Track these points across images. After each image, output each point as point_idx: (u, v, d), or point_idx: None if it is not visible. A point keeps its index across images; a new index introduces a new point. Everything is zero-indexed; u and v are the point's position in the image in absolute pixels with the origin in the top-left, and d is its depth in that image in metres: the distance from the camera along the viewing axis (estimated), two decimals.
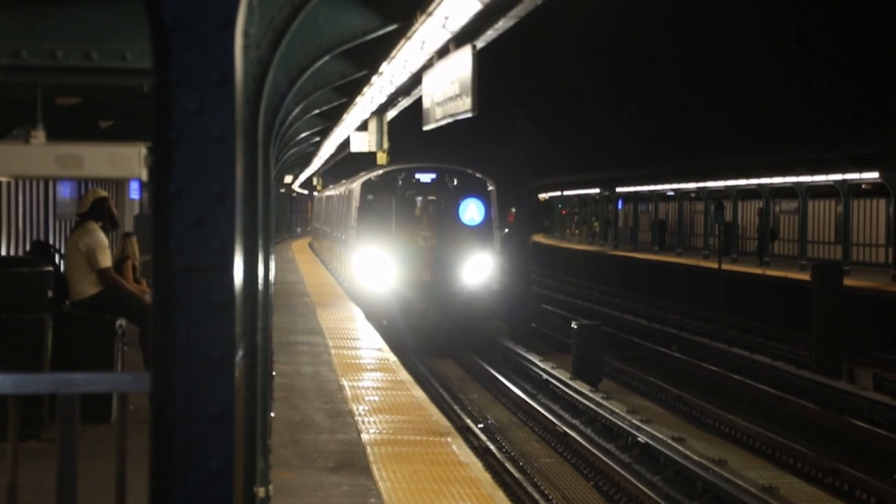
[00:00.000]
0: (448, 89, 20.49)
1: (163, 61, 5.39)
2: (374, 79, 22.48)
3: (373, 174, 52.54)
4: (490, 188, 53.61)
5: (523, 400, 42.02)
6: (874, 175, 62.70)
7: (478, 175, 52.77)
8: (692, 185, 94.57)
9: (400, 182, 52.75)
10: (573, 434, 36.48)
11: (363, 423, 20.49)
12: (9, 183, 25.94)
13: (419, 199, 53.23)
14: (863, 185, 68.46)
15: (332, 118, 35.45)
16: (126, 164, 12.65)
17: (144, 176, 12.03)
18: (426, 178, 53.10)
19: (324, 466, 17.35)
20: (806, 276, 59.33)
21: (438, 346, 47.10)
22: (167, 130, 5.34)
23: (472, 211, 50.84)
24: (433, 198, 53.34)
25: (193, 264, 5.50)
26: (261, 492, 12.10)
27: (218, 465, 5.56)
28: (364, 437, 19.42)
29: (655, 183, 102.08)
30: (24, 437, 7.28)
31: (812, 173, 70.00)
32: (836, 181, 69.01)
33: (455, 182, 53.69)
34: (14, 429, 7.52)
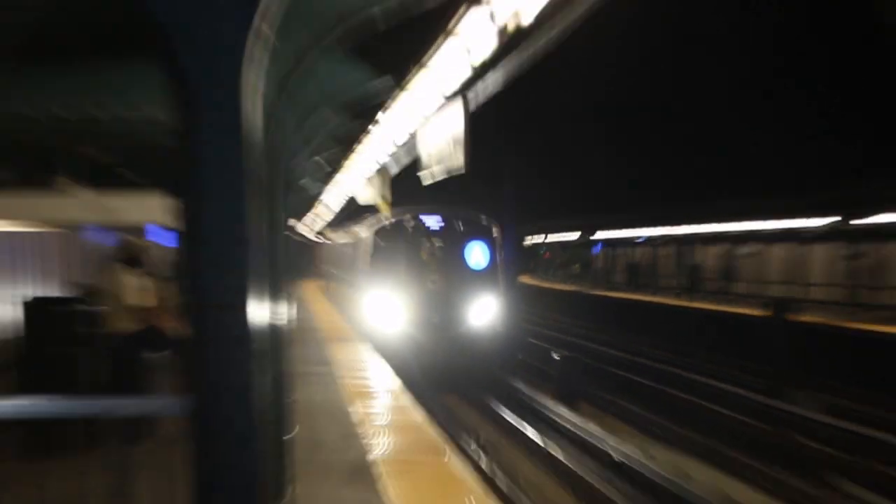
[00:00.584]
0: (443, 145, 20.40)
1: (185, 113, 5.42)
2: (372, 128, 22.45)
3: (384, 221, 47.93)
4: (495, 233, 50.15)
5: (508, 421, 42.25)
6: (823, 220, 62.19)
7: (483, 220, 49.82)
8: (660, 231, 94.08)
9: (410, 228, 48.78)
10: (554, 451, 36.78)
11: (373, 442, 20.49)
12: (42, 235, 26.03)
13: (427, 244, 48.79)
14: (813, 231, 68.53)
15: (333, 164, 35.56)
16: (152, 210, 12.69)
17: (170, 223, 12.12)
18: (433, 222, 48.95)
19: (337, 480, 17.33)
20: (759, 312, 59.82)
21: (444, 381, 45.42)
22: (191, 175, 5.37)
23: (477, 255, 48.51)
24: (440, 243, 48.88)
25: (221, 301, 5.52)
26: None
27: (243, 481, 5.57)
28: (371, 454, 19.43)
29: (631, 228, 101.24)
30: (84, 452, 7.24)
31: (760, 219, 69.90)
32: (785, 228, 69.06)
33: (461, 226, 49.34)
34: (71, 445, 7.54)
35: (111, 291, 22.26)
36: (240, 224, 5.52)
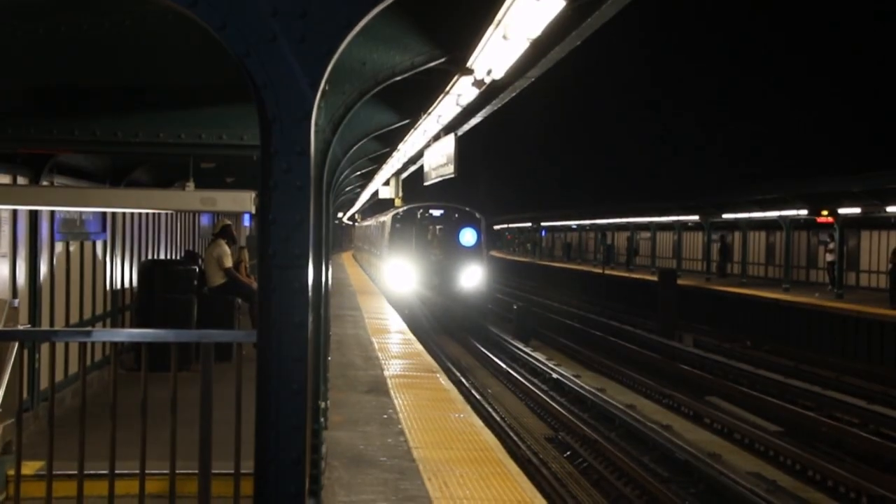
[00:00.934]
0: (440, 160, 20.64)
1: (266, 140, 5.49)
2: (395, 153, 22.49)
3: (400, 210, 51.74)
4: (480, 220, 53.31)
5: (481, 351, 42.63)
6: (695, 217, 62.90)
7: (471, 210, 52.67)
8: (587, 221, 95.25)
9: (418, 215, 52.36)
10: (512, 372, 37.00)
11: (387, 367, 20.52)
12: (171, 216, 26.25)
13: (431, 227, 52.80)
14: (689, 223, 69.28)
15: (368, 176, 35.57)
16: (243, 203, 12.78)
17: (253, 210, 12.14)
18: (437, 212, 52.83)
19: (361, 390, 17.38)
20: (654, 277, 60.36)
21: (441, 328, 46.44)
22: (268, 181, 5.44)
23: (467, 236, 51.02)
24: (441, 227, 52.93)
25: (289, 265, 5.60)
26: (322, 405, 12.11)
27: (297, 387, 5.62)
28: (386, 373, 19.47)
29: (567, 220, 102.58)
30: (180, 369, 7.26)
31: (658, 216, 70.53)
32: (673, 221, 69.51)
33: (456, 215, 53.04)
34: (174, 363, 7.56)
35: (211, 256, 22.47)
36: (300, 212, 5.61)
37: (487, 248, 57.24)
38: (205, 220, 29.47)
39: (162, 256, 25.45)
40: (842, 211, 46.43)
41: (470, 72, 10.80)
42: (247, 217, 29.69)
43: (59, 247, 17.10)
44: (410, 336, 27.45)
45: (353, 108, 10.84)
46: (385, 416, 15.48)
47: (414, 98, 13.97)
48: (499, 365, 39.71)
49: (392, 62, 10.41)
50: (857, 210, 45.51)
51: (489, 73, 10.87)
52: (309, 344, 5.75)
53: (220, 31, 5.55)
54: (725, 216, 60.53)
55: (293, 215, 5.67)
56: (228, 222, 24.95)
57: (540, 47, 9.99)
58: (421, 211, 53.27)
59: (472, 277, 51.21)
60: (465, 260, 51.84)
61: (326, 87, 5.46)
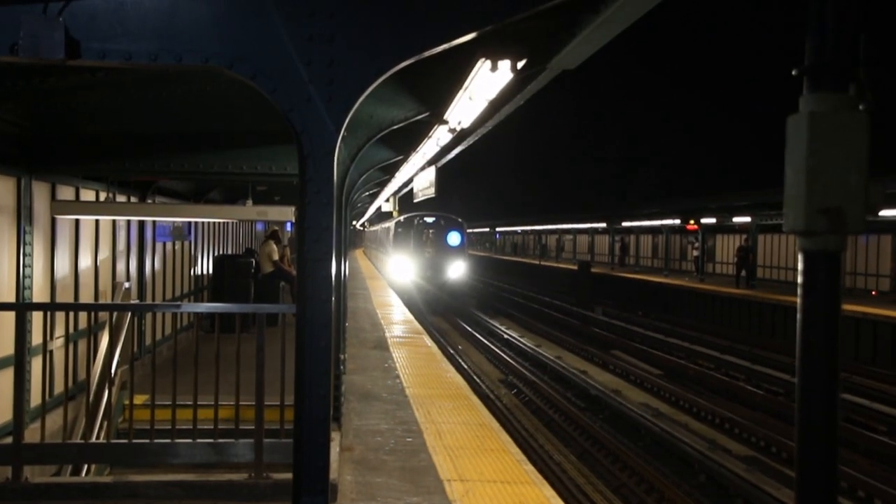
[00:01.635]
0: (425, 184, 20.59)
1: (303, 172, 5.41)
2: (393, 179, 22.41)
3: (401, 218, 48.90)
4: (463, 225, 52.15)
5: (456, 320, 42.04)
6: (604, 224, 62.91)
7: (456, 218, 51.34)
8: (528, 227, 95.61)
9: (415, 222, 50.59)
10: (476, 334, 36.99)
11: (388, 330, 20.40)
12: (236, 223, 26.30)
13: (425, 231, 50.55)
14: (599, 229, 69.52)
15: (374, 195, 35.57)
16: (286, 214, 12.80)
17: (293, 219, 12.10)
18: (430, 220, 50.85)
19: (369, 347, 17.27)
20: (575, 266, 59.93)
21: (428, 305, 44.36)
22: (304, 199, 5.36)
23: (453, 238, 49.91)
24: (433, 230, 50.58)
25: (317, 258, 5.50)
26: (342, 357, 12.04)
27: (324, 344, 5.54)
28: (386, 335, 19.36)
29: (515, 226, 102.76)
30: (242, 331, 7.28)
31: (578, 223, 70.55)
32: (587, 228, 69.78)
33: (444, 222, 50.81)
34: (238, 327, 7.49)
35: (261, 253, 22.45)
36: (326, 219, 5.53)
37: (468, 247, 55.99)
38: (259, 227, 29.59)
39: (229, 252, 25.62)
40: (703, 221, 46.97)
41: (446, 122, 10.77)
42: (288, 224, 29.70)
43: (158, 246, 17.15)
44: (405, 310, 27.41)
45: (363, 147, 10.83)
46: (386, 365, 15.41)
47: (406, 140, 13.95)
48: (466, 329, 39.60)
49: (391, 115, 10.38)
50: (713, 220, 46.01)
51: (459, 123, 10.84)
52: (332, 314, 5.73)
53: (271, 94, 5.49)
54: (624, 224, 60.95)
55: (321, 223, 5.63)
56: (276, 228, 25.46)
57: (495, 105, 9.94)
58: (417, 218, 51.53)
59: (457, 270, 50.18)
60: (452, 256, 50.60)
61: (345, 133, 5.40)
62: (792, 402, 22.01)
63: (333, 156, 5.61)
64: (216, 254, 24.09)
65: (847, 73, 2.95)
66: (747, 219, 42.56)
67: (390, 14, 5.55)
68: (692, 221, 48.74)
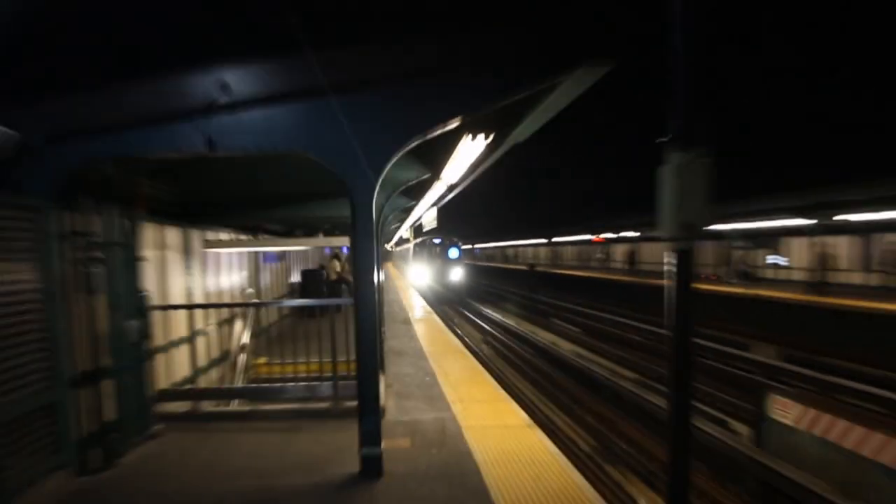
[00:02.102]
0: (430, 220, 20.76)
1: (354, 215, 5.46)
2: (409, 217, 22.32)
3: (418, 240, 47.53)
4: (460, 243, 49.58)
5: (456, 308, 41.37)
6: (544, 240, 62.30)
7: (455, 238, 49.12)
8: (502, 243, 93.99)
9: (427, 243, 48.27)
10: (466, 312, 36.74)
11: (410, 313, 20.32)
12: (312, 249, 26.23)
13: (434, 248, 48.48)
14: (542, 242, 68.87)
15: (397, 228, 35.66)
16: (344, 241, 12.73)
17: (349, 245, 11.99)
18: (437, 240, 48.49)
19: (399, 322, 17.17)
20: (526, 267, 59.50)
21: (438, 299, 42.30)
22: (355, 234, 5.39)
23: (453, 253, 47.60)
24: (439, 249, 48.42)
25: (364, 270, 5.53)
26: (382, 330, 12.05)
27: (372, 323, 5.57)
28: (409, 315, 19.29)
29: (490, 242, 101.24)
30: (321, 315, 7.31)
31: (528, 239, 69.81)
32: (534, 242, 69.06)
33: (447, 242, 48.54)
34: (315, 316, 7.52)
35: (329, 267, 22.30)
36: (370, 244, 5.54)
37: (462, 259, 53.25)
38: (326, 251, 29.45)
39: (309, 267, 25.60)
40: (603, 236, 47.01)
41: (440, 179, 10.83)
42: (344, 248, 29.33)
43: (266, 266, 17.14)
44: (422, 300, 27.29)
45: (390, 197, 10.88)
46: (410, 334, 15.38)
47: (416, 191, 14.00)
48: (460, 310, 38.97)
49: (407, 176, 10.44)
50: (612, 235, 46.05)
51: (451, 179, 10.91)
52: (375, 303, 5.78)
53: (331, 166, 5.58)
54: (556, 239, 60.79)
55: (367, 246, 5.70)
56: (337, 251, 25.33)
57: (473, 166, 9.98)
58: (429, 240, 50.06)
59: (456, 275, 48.50)
60: (452, 266, 49.16)
61: (378, 188, 5.45)
62: (660, 345, 22.35)
63: (372, 203, 5.69)
64: (301, 269, 24.16)
65: (692, 141, 3.09)
66: (635, 233, 42.79)
67: (405, 109, 5.64)
68: (596, 236, 48.93)
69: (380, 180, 5.69)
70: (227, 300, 13.05)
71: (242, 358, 11.37)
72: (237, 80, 5.41)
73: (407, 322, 18.24)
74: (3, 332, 4.79)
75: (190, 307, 9.15)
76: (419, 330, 16.74)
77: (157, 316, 7.88)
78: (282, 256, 20.33)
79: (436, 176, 10.83)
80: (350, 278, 25.09)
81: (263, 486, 5.60)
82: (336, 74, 5.43)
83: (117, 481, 5.80)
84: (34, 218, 5.21)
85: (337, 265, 23.01)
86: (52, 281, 5.33)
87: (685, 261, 3.22)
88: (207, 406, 8.15)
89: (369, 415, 5.80)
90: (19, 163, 5.07)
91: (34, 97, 5.01)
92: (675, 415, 3.48)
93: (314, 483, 5.66)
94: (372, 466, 5.76)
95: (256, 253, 16.14)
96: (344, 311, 8.15)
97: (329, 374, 8.24)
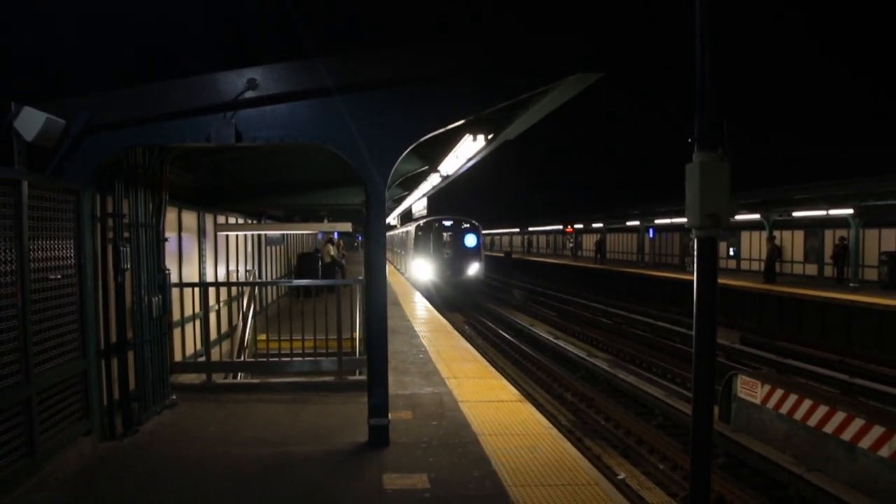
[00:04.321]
0: (421, 207, 20.86)
1: (368, 203, 5.47)
2: (403, 202, 22.22)
3: (420, 222, 32.88)
4: (479, 227, 33.34)
5: (467, 303, 41.11)
6: (517, 230, 62.37)
7: (473, 221, 33.12)
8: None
9: (435, 225, 32.50)
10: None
11: (398, 294, 20.27)
12: (315, 233, 26.11)
13: (444, 233, 32.70)
14: (515, 232, 68.92)
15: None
16: (346, 227, 12.69)
17: (351, 229, 11.88)
18: (448, 223, 32.70)
19: (390, 304, 17.20)
20: (502, 254, 59.68)
21: (446, 304, 29.89)
22: (369, 220, 5.41)
23: (470, 240, 32.60)
24: (451, 233, 32.76)
25: (375, 253, 5.55)
26: None
27: (383, 298, 5.59)
28: (398, 297, 19.26)
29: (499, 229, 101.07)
30: (315, 296, 7.40)
31: (506, 229, 69.72)
32: (511, 231, 69.11)
33: (461, 225, 32.82)
34: (311, 296, 7.53)
35: (323, 250, 22.23)
36: (382, 228, 5.56)
37: (483, 248, 37.29)
38: (319, 235, 29.19)
39: (306, 250, 25.51)
40: (576, 226, 47.23)
41: (437, 171, 10.86)
42: (336, 233, 28.78)
43: (267, 248, 17.07)
44: (407, 284, 27.26)
45: (389, 187, 10.86)
46: (401, 315, 15.45)
47: (413, 181, 14.01)
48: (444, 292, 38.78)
49: (407, 169, 10.47)
50: (581, 226, 46.29)
51: (447, 171, 10.94)
52: (387, 283, 5.81)
53: (349, 158, 5.60)
54: (531, 229, 61.17)
55: (378, 231, 5.72)
56: (331, 236, 25.27)
57: (469, 160, 10.02)
58: (436, 222, 33.83)
59: (473, 269, 33.97)
60: (469, 257, 34.06)
61: (387, 182, 5.49)
62: (630, 327, 22.50)
63: (384, 193, 5.72)
64: (298, 252, 24.11)
65: (716, 141, 3.16)
66: (600, 224, 43.07)
67: (413, 111, 5.67)
68: (569, 227, 49.19)
69: (392, 171, 5.74)
70: (234, 279, 13.04)
71: (248, 334, 11.36)
72: (264, 78, 5.44)
73: (396, 303, 18.21)
74: (47, 304, 4.78)
75: (202, 285, 9.13)
76: (408, 310, 16.73)
77: (174, 293, 7.87)
78: (281, 240, 20.27)
79: (433, 168, 10.85)
80: (343, 262, 25.18)
81: (277, 453, 5.62)
82: (356, 76, 5.50)
83: (139, 447, 5.80)
84: (73, 200, 5.18)
85: (331, 249, 22.97)
86: (86, 258, 5.30)
87: (710, 248, 3.31)
88: (217, 378, 8.16)
89: (378, 388, 5.84)
90: (60, 148, 5.04)
91: (82, 91, 5.00)
92: (696, 395, 3.50)
93: (326, 451, 5.69)
94: (380, 436, 5.80)
95: (261, 236, 16.09)
96: (336, 292, 8.24)
97: (331, 350, 8.32)
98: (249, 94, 5.38)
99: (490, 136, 7.64)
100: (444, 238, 32.27)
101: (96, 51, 4.78)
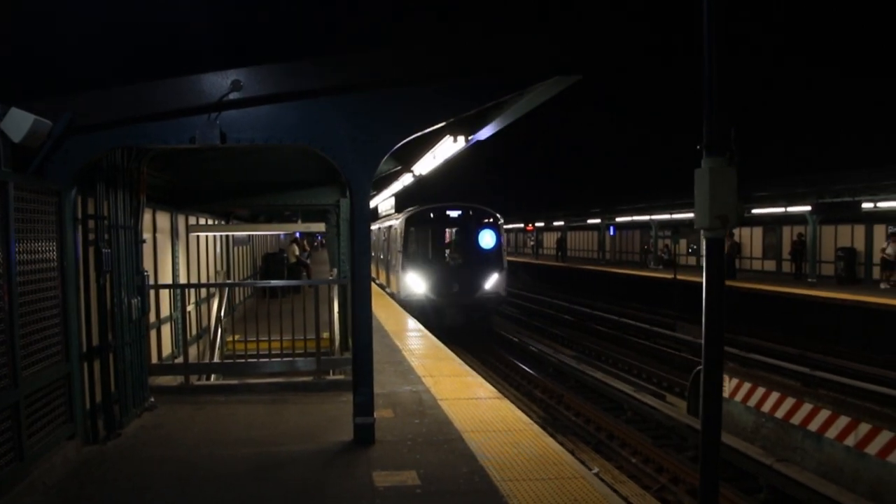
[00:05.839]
0: (388, 206, 20.74)
1: (352, 203, 5.51)
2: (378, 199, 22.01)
3: (414, 210, 21.68)
4: (500, 221, 21.65)
5: None
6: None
7: (490, 210, 21.60)
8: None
9: (434, 216, 21.54)
10: None
11: (379, 313, 20.13)
12: (284, 234, 25.86)
13: (448, 229, 22.37)
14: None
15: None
16: (320, 227, 12.56)
17: (324, 230, 11.76)
18: (454, 213, 21.47)
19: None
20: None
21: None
22: (353, 219, 5.45)
23: (487, 238, 21.17)
24: (458, 229, 21.89)
25: (360, 251, 5.59)
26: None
27: (368, 295, 5.63)
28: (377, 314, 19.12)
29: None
30: (283, 297, 7.50)
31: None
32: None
33: (473, 217, 21.36)
34: (277, 296, 7.53)
35: (288, 251, 22.19)
36: (366, 227, 5.62)
37: (506, 250, 25.12)
38: (282, 236, 28.91)
39: (271, 251, 25.27)
40: (537, 224, 47.67)
41: (411, 171, 10.91)
42: (298, 233, 28.25)
43: (234, 248, 16.92)
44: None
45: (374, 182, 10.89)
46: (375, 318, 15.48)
47: (386, 181, 14.01)
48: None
49: (385, 168, 10.48)
50: (542, 224, 46.74)
51: (420, 172, 10.97)
52: (370, 282, 5.86)
53: (333, 159, 5.68)
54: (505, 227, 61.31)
55: (363, 229, 5.78)
56: (296, 236, 25.02)
57: (447, 161, 10.07)
58: (437, 212, 21.83)
59: (492, 283, 21.68)
60: (485, 264, 21.84)
61: (370, 180, 5.54)
62: (617, 330, 22.16)
63: (368, 192, 5.79)
64: (264, 252, 23.90)
65: (724, 147, 3.31)
66: (561, 223, 43.49)
67: (397, 113, 5.74)
68: (530, 225, 49.64)
69: (376, 172, 5.81)
70: (204, 280, 12.92)
71: (219, 335, 11.29)
72: (248, 79, 5.45)
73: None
74: (30, 307, 4.73)
75: (179, 287, 9.09)
76: (375, 309, 16.69)
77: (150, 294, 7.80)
78: (247, 240, 20.02)
79: (406, 168, 10.90)
80: (309, 262, 25.00)
81: (266, 453, 5.64)
82: (341, 78, 5.56)
83: (124, 450, 5.76)
84: (55, 202, 5.13)
85: (296, 249, 22.82)
86: (68, 260, 5.25)
87: (718, 248, 3.45)
88: (193, 380, 8.11)
89: (363, 387, 5.89)
90: (42, 149, 4.98)
91: (68, 91, 4.96)
92: (706, 389, 3.64)
93: (313, 450, 5.73)
94: (365, 434, 5.85)
95: (228, 236, 15.93)
96: (315, 292, 8.26)
97: (309, 350, 8.33)
98: (234, 96, 5.39)
99: (470, 137, 7.73)
100: (448, 236, 22.90)
101: (82, 50, 4.75)
